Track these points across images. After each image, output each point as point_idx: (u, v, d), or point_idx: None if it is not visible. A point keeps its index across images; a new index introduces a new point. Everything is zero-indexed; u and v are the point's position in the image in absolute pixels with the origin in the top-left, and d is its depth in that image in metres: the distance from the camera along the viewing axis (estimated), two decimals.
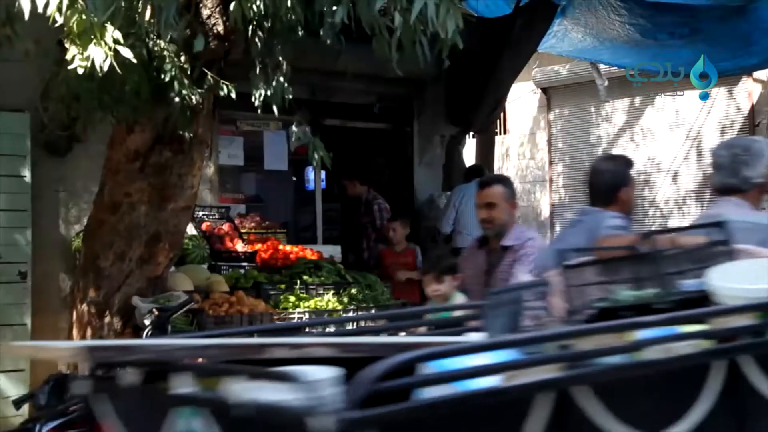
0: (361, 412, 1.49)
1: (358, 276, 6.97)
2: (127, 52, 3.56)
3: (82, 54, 3.56)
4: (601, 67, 11.16)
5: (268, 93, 4.59)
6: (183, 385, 1.79)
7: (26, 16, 3.26)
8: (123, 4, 3.44)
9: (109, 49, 3.53)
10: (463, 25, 3.44)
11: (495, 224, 4.18)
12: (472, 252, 4.42)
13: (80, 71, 3.59)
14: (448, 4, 3.26)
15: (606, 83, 11.73)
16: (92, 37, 3.47)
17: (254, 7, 4.14)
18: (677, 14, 7.54)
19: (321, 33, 4.25)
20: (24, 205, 6.18)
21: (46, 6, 3.27)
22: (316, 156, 4.81)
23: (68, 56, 3.67)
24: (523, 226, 4.48)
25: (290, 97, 4.69)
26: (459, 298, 4.09)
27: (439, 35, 3.44)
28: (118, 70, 3.62)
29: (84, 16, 3.39)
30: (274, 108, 4.65)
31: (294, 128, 4.96)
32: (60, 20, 3.36)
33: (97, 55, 3.52)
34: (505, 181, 4.40)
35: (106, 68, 3.57)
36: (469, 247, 4.54)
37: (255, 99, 4.65)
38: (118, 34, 3.59)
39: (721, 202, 3.46)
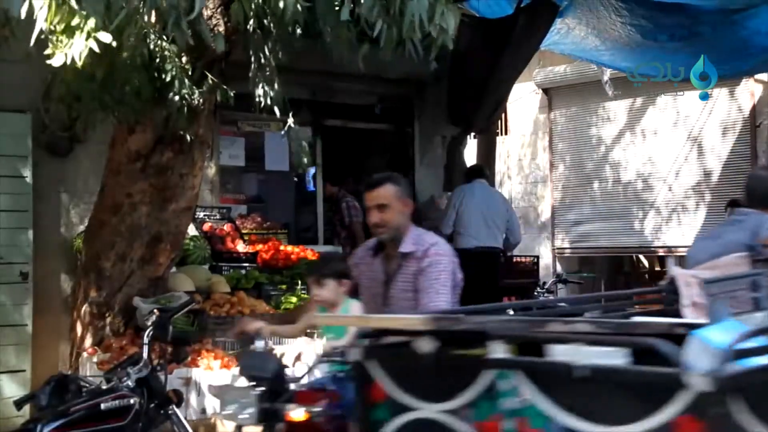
0: (735, 371, 1.78)
1: None
2: (106, 37, 3.48)
3: (61, 46, 3.52)
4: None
5: (270, 94, 4.58)
6: (498, 351, 2.08)
7: (23, 15, 3.24)
8: (124, 5, 3.43)
9: (87, 36, 3.46)
10: (461, 26, 3.44)
11: (389, 227, 3.67)
12: (364, 260, 3.86)
13: (57, 64, 3.55)
14: (443, 5, 3.25)
15: (608, 78, 11.73)
16: (75, 31, 3.42)
17: (255, 8, 4.14)
18: (677, 16, 7.54)
19: (326, 35, 4.24)
20: (25, 205, 6.18)
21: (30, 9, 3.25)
22: (305, 160, 4.82)
23: (48, 51, 3.63)
24: (420, 229, 3.87)
25: (284, 98, 4.68)
26: (353, 306, 3.67)
27: (431, 36, 3.42)
28: (88, 57, 3.54)
29: (71, 14, 3.35)
30: (276, 109, 4.65)
31: (294, 127, 4.95)
32: (44, 25, 3.34)
33: (76, 46, 3.46)
34: (394, 178, 3.88)
35: (81, 60, 3.51)
36: (361, 254, 3.97)
37: (257, 99, 4.64)
38: (92, 23, 3.51)
39: None
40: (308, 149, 4.90)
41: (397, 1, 3.33)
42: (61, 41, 3.56)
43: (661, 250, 13.17)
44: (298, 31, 4.35)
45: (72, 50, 3.46)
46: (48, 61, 3.64)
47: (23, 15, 3.25)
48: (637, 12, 7.59)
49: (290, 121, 4.86)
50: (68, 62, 3.50)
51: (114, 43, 3.68)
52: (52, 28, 3.44)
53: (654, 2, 7.33)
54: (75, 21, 3.39)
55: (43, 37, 3.47)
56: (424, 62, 3.96)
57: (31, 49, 3.64)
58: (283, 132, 4.93)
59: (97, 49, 3.48)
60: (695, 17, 7.56)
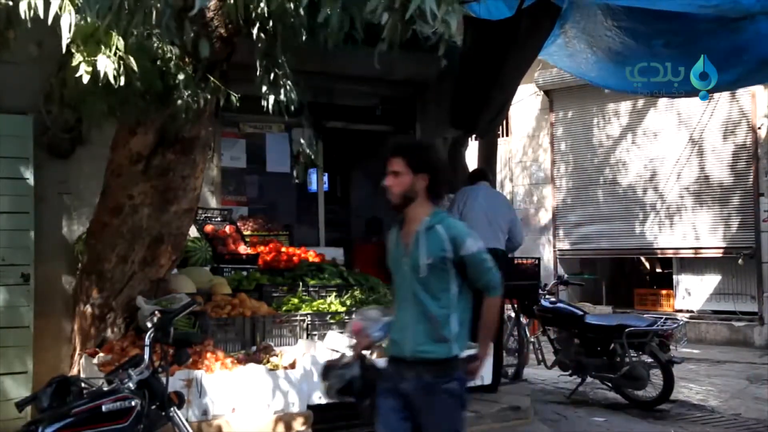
0: None
1: (360, 278, 6.97)
2: (132, 61, 3.58)
3: (87, 61, 3.58)
4: None
5: (281, 97, 4.59)
6: None
7: (28, 24, 3.27)
8: (126, 7, 3.44)
9: (115, 56, 3.55)
10: (465, 26, 3.43)
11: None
12: None
13: (85, 79, 3.61)
14: (448, 3, 3.23)
15: None
16: (98, 43, 3.48)
17: (257, 9, 4.14)
18: (675, 22, 7.53)
19: (328, 36, 4.24)
20: (27, 207, 6.18)
21: (47, 11, 3.28)
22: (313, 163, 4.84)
23: (74, 63, 3.68)
24: None
25: (294, 101, 4.69)
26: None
27: (437, 34, 3.41)
28: (118, 81, 3.63)
29: (88, 20, 3.41)
30: (291, 108, 4.65)
31: (302, 138, 4.96)
32: (68, 36, 3.37)
33: (102, 62, 3.55)
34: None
35: (111, 77, 3.60)
36: None
37: (264, 104, 4.64)
38: (121, 43, 3.61)
39: None
40: (309, 153, 4.92)
41: None
42: (84, 53, 3.61)
43: (662, 252, 13.17)
44: (303, 33, 4.35)
45: (100, 66, 3.54)
46: (77, 74, 3.68)
47: (50, 20, 3.28)
48: (634, 18, 7.58)
49: (303, 125, 4.89)
50: (100, 76, 3.57)
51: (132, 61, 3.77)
52: (73, 35, 3.48)
53: (650, 10, 7.32)
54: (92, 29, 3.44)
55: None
56: (429, 61, 3.94)
57: (33, 50, 3.66)
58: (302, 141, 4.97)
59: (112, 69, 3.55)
60: (691, 24, 7.55)
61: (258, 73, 4.61)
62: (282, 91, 4.65)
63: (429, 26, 3.26)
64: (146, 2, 3.57)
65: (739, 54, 7.94)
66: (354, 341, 3.92)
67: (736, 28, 7.44)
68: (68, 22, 3.31)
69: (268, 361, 5.29)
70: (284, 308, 6.22)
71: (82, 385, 3.77)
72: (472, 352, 3.71)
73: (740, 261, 11.93)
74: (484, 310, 3.70)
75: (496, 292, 3.70)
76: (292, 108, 4.72)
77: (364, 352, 3.84)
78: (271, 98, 4.62)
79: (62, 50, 3.49)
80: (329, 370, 3.85)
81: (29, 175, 6.16)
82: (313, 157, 5.01)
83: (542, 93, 14.26)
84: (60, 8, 3.29)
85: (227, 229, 7.23)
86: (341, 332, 6.12)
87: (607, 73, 8.93)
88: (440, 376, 3.57)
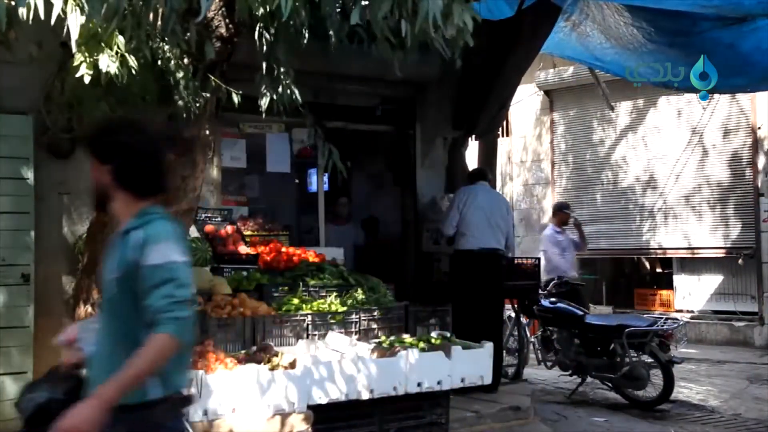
0: None
1: (360, 278, 6.97)
2: (132, 61, 3.59)
3: (88, 61, 3.59)
4: (600, 73, 11.14)
5: (274, 97, 4.59)
6: None
7: (30, 23, 3.27)
8: (127, 7, 3.45)
9: (116, 55, 3.56)
10: (473, 24, 3.43)
11: None
12: None
13: (87, 79, 3.62)
14: (461, 4, 3.24)
15: (608, 91, 11.73)
16: (101, 43, 3.49)
17: (260, 9, 4.14)
18: (677, 20, 7.53)
19: (331, 36, 4.24)
20: (27, 207, 6.18)
21: (49, 12, 3.28)
22: (337, 164, 4.86)
23: (75, 63, 3.69)
24: None
25: (298, 99, 4.69)
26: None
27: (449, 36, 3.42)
28: (122, 79, 3.65)
29: (91, 24, 3.42)
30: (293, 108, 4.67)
31: (308, 134, 4.98)
32: (76, 35, 3.37)
33: (103, 62, 3.56)
34: None
35: (113, 74, 3.61)
36: None
37: (262, 104, 4.64)
38: (122, 40, 3.63)
39: None
40: (340, 166, 4.98)
41: (409, 2, 3.31)
42: (86, 53, 3.62)
43: (662, 252, 13.17)
44: (305, 33, 4.35)
45: (102, 65, 3.55)
46: (77, 74, 3.68)
47: (53, 21, 3.28)
48: (638, 15, 7.59)
49: (308, 125, 4.90)
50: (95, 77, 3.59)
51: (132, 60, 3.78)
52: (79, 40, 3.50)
53: (653, 8, 7.32)
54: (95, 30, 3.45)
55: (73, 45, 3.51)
56: (429, 62, 3.95)
57: (33, 51, 3.67)
58: (307, 136, 4.99)
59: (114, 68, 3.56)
60: (693, 24, 7.55)
61: (258, 73, 4.61)
62: (280, 89, 4.65)
63: (439, 31, 3.27)
64: (152, 5, 3.57)
65: (743, 66, 7.94)
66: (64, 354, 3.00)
67: (739, 36, 7.44)
68: (75, 21, 3.31)
69: (268, 361, 5.28)
70: (284, 308, 6.21)
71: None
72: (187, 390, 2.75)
73: (740, 261, 11.93)
74: (144, 346, 2.53)
75: (167, 328, 2.53)
76: (287, 106, 4.72)
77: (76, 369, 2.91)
78: (267, 97, 4.62)
79: (62, 50, 3.50)
80: (23, 392, 2.95)
81: (29, 175, 6.16)
82: (340, 169, 5.05)
83: (542, 93, 14.26)
84: (63, 10, 3.29)
85: (227, 229, 7.23)
86: (341, 332, 6.12)
87: (623, 57, 8.91)
88: (132, 427, 2.60)
